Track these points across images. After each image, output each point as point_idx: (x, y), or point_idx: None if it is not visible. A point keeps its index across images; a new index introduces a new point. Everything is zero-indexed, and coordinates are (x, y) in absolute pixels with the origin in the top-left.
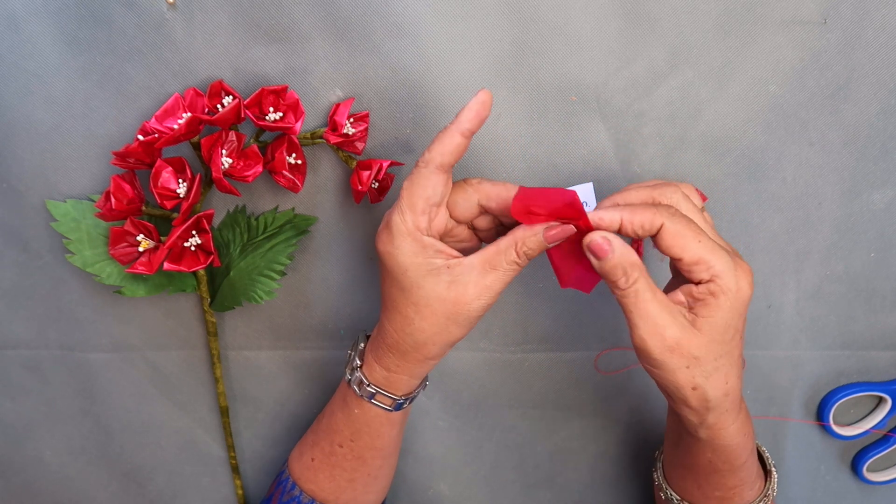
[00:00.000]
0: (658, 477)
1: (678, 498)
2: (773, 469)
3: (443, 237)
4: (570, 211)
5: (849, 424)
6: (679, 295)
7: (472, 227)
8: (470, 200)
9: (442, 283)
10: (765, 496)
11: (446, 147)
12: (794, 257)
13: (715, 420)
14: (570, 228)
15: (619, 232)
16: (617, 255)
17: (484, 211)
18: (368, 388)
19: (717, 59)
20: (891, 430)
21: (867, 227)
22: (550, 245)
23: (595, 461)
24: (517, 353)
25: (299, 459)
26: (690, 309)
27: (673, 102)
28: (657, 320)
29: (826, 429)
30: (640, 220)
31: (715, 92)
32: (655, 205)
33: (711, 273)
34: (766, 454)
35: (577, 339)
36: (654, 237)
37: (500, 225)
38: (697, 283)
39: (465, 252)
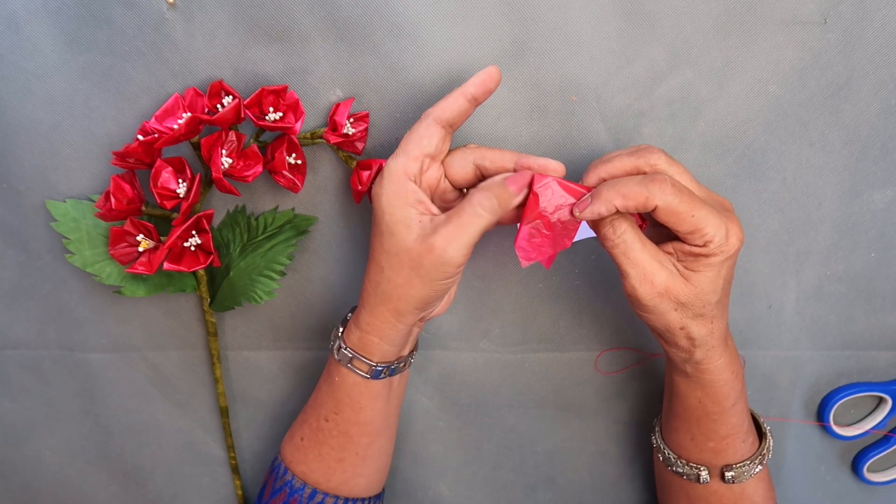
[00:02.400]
0: (656, 438)
1: (675, 456)
2: (769, 432)
3: (434, 196)
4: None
5: (849, 425)
6: (671, 247)
7: (450, 179)
8: (466, 160)
9: (412, 234)
10: (759, 455)
11: (449, 105)
12: (794, 257)
13: (702, 355)
14: (527, 174)
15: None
16: (600, 204)
17: (480, 174)
18: (346, 352)
19: (717, 59)
20: (891, 431)
21: (867, 227)
22: (515, 197)
23: (595, 461)
24: (517, 353)
25: (290, 441)
26: (680, 261)
27: (673, 102)
28: (647, 268)
29: (826, 429)
30: (633, 205)
31: (715, 92)
32: (644, 178)
33: (705, 240)
34: (760, 418)
35: (577, 339)
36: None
37: (479, 175)
38: (692, 247)
39: None
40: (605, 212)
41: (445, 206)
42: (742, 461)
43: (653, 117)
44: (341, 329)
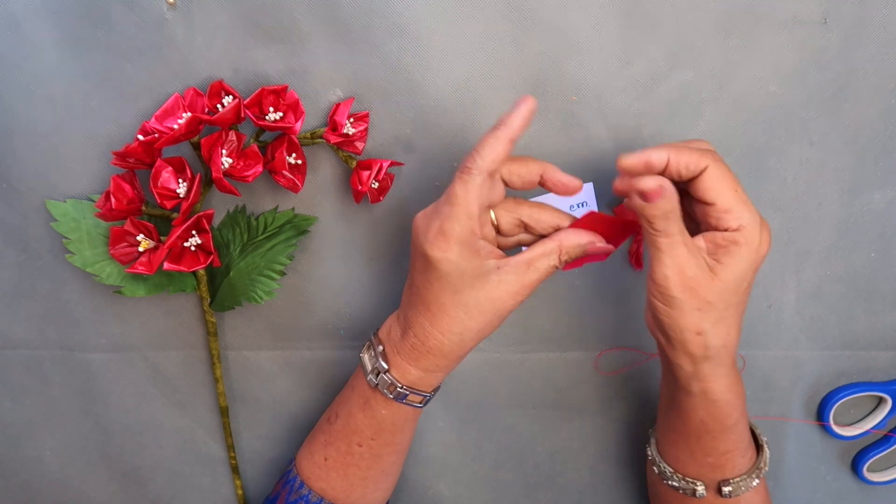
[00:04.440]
0: (651, 451)
1: (671, 470)
2: (766, 445)
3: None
4: (625, 230)
5: (849, 425)
6: (701, 241)
7: (496, 227)
8: (512, 218)
9: (492, 282)
10: (757, 469)
11: (498, 154)
12: (794, 257)
13: (709, 371)
14: (610, 249)
15: (665, 173)
16: (667, 200)
17: (524, 228)
18: (400, 390)
19: (717, 59)
20: (891, 431)
21: (867, 227)
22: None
23: (595, 461)
24: (517, 353)
25: (310, 459)
26: (711, 255)
27: (673, 102)
28: (682, 259)
29: (826, 429)
30: (685, 161)
31: (715, 92)
32: (700, 149)
33: (739, 223)
34: (758, 430)
35: (577, 339)
36: (692, 181)
37: (523, 227)
38: (724, 231)
39: None
40: (655, 158)
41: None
42: (740, 475)
43: (653, 117)
44: (384, 365)
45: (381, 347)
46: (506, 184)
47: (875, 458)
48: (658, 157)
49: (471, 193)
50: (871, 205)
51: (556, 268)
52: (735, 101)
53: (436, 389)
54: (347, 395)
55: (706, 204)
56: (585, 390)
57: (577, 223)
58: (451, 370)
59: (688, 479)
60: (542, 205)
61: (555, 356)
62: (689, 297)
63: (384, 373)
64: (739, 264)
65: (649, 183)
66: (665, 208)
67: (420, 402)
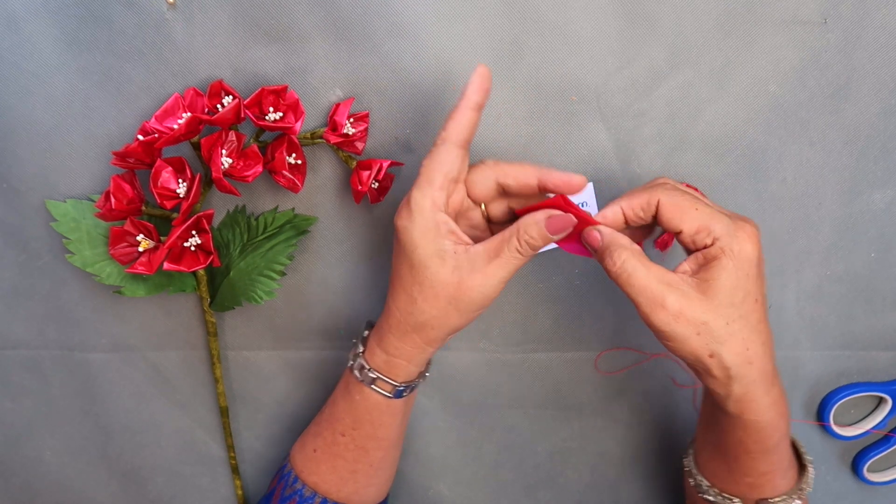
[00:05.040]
0: (689, 462)
1: (708, 484)
2: (810, 465)
3: (458, 217)
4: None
5: (849, 425)
6: (685, 265)
7: (487, 218)
8: (487, 178)
9: (447, 266)
10: (798, 489)
11: (461, 123)
12: (794, 257)
13: (743, 391)
14: (570, 218)
15: (626, 223)
16: (605, 238)
17: (502, 190)
18: (369, 373)
19: (717, 59)
20: (891, 431)
21: (867, 227)
22: (553, 237)
23: (595, 461)
24: (517, 353)
25: (301, 451)
26: (698, 275)
27: (673, 102)
28: (654, 292)
29: (826, 429)
30: (637, 202)
31: (715, 92)
32: (647, 183)
33: (712, 237)
34: (802, 448)
35: (577, 339)
36: (656, 216)
37: (515, 216)
38: (703, 249)
39: (476, 241)
40: (610, 214)
41: (468, 225)
42: (779, 496)
43: (653, 117)
44: (361, 348)
45: (366, 332)
46: (503, 188)
47: (875, 458)
48: (612, 211)
49: (433, 162)
50: (871, 205)
51: (520, 254)
52: (735, 101)
53: (409, 385)
54: (339, 383)
55: (677, 233)
56: (585, 390)
57: (544, 203)
58: (419, 362)
59: (724, 494)
60: (520, 164)
61: (555, 356)
62: (681, 325)
63: (359, 355)
64: (725, 275)
65: (587, 230)
66: (606, 245)
67: (390, 392)
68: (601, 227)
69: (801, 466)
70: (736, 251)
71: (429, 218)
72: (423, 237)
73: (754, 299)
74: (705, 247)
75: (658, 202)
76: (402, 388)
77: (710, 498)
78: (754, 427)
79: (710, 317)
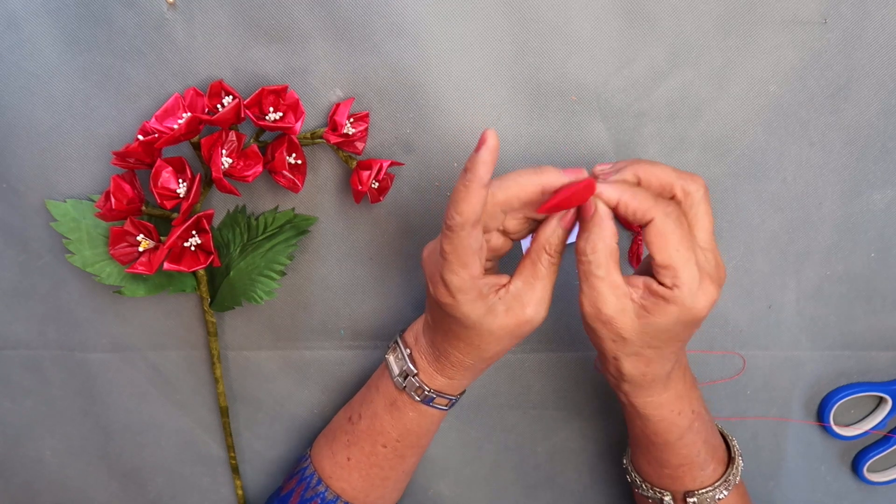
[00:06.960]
0: (626, 460)
1: (640, 478)
2: (739, 457)
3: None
4: (581, 194)
5: (849, 425)
6: (639, 281)
7: (504, 232)
8: (496, 217)
9: (500, 314)
10: (725, 481)
11: (474, 205)
12: (794, 257)
13: (629, 390)
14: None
15: (615, 211)
16: (596, 218)
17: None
18: (428, 393)
19: (717, 59)
20: (891, 431)
21: (867, 227)
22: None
23: (595, 461)
24: (517, 353)
25: (332, 458)
26: (644, 299)
27: (673, 102)
28: (601, 293)
29: (826, 429)
30: (633, 208)
31: (715, 92)
32: (659, 197)
33: (674, 282)
34: (733, 441)
35: (577, 339)
36: (643, 226)
37: (532, 221)
38: (660, 284)
39: (501, 257)
40: (606, 195)
41: (495, 254)
42: (704, 488)
43: (653, 117)
44: (413, 369)
45: (408, 351)
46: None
47: (875, 458)
48: (609, 195)
49: (458, 248)
50: (871, 205)
51: (554, 263)
52: (735, 101)
53: (462, 393)
54: (371, 396)
55: (650, 253)
56: (585, 390)
57: (556, 197)
58: (479, 376)
59: (655, 488)
60: (516, 181)
61: (555, 356)
62: (604, 329)
63: (413, 376)
64: (664, 320)
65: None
66: (601, 193)
67: (446, 405)
68: (600, 206)
69: (732, 459)
70: (688, 306)
71: (471, 292)
72: (472, 308)
73: (679, 343)
74: (662, 283)
75: (651, 221)
76: (455, 399)
77: (645, 493)
78: (648, 421)
79: (630, 337)
